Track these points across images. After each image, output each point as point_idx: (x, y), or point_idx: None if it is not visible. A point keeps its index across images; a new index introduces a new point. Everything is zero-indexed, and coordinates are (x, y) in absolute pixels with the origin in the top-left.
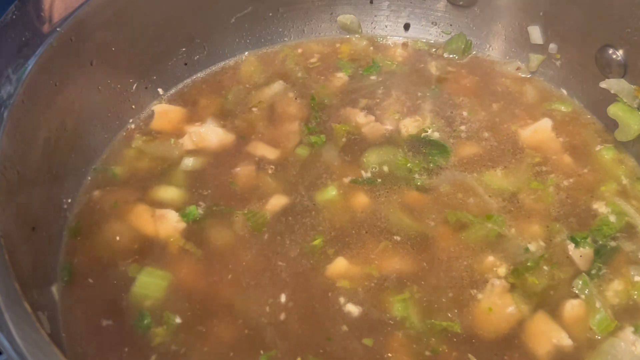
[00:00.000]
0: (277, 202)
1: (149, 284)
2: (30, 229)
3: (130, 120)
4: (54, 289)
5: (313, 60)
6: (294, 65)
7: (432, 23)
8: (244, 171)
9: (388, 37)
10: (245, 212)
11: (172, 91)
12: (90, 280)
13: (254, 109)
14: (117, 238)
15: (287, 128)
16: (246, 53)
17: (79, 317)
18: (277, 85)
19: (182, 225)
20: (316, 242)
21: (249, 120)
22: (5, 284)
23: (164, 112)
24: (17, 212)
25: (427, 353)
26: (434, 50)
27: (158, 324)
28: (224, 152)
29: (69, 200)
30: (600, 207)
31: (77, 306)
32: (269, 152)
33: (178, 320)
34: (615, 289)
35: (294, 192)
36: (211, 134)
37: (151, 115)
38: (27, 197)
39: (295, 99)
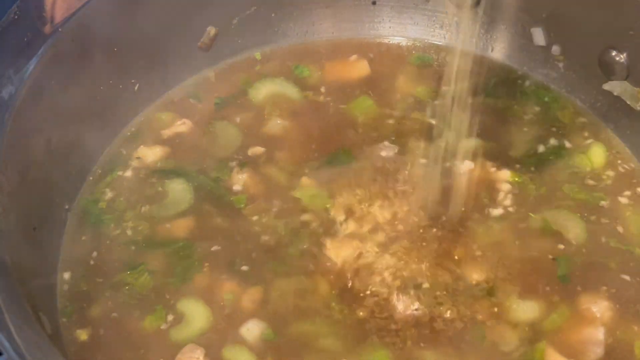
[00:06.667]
0: None
1: None
2: (32, 230)
3: (133, 121)
4: (55, 290)
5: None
6: (298, 65)
7: (435, 24)
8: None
9: (390, 37)
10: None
11: (174, 91)
12: (92, 281)
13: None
14: (119, 239)
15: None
16: (248, 53)
17: (81, 318)
18: (281, 85)
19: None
20: None
21: None
22: (6, 284)
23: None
24: (18, 213)
25: None
26: (436, 50)
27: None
28: None
29: (70, 201)
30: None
31: (79, 307)
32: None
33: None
34: None
35: None
36: None
37: (153, 115)
38: (28, 198)
39: (300, 97)
